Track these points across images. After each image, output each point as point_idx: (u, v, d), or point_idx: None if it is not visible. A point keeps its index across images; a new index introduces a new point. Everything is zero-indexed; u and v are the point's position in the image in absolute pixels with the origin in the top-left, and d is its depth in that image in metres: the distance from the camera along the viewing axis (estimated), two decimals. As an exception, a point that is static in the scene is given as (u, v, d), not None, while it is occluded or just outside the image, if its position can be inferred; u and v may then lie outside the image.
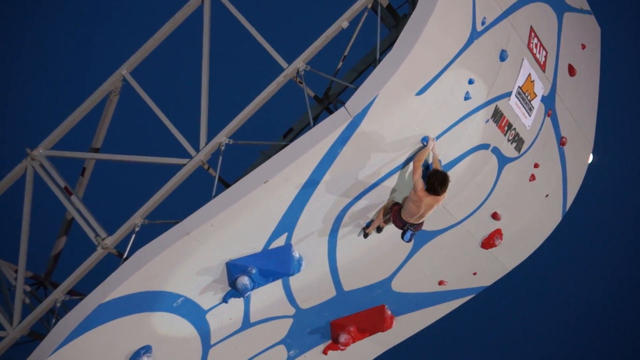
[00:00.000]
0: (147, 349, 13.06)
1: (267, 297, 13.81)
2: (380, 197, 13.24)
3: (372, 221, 13.58)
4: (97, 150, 15.47)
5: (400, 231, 13.15)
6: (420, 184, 12.34)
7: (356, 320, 15.94)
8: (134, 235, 13.39)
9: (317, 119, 16.27)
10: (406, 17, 14.23)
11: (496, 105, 13.56)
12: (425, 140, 12.65)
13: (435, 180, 12.26)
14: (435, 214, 13.27)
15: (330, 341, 16.32)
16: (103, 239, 13.61)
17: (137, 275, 12.09)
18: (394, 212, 13.03)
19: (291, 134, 16.89)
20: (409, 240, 13.24)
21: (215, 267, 12.70)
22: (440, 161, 12.87)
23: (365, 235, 13.75)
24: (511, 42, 13.59)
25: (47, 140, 14.55)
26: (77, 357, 12.35)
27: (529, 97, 14.23)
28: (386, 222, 13.56)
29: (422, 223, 13.06)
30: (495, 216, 15.40)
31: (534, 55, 14.34)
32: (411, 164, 12.74)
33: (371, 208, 13.35)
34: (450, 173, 12.75)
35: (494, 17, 13.21)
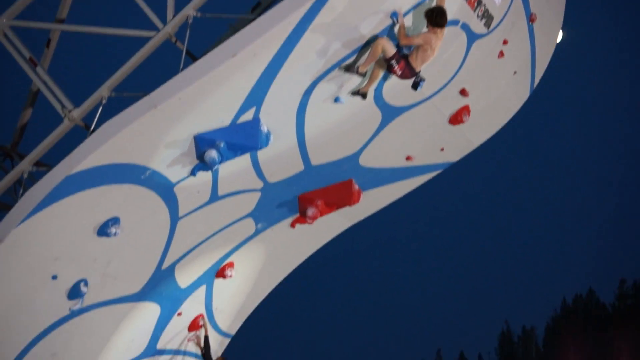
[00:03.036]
0: (115, 221, 13.17)
1: (235, 170, 13.89)
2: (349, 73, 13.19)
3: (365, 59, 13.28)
4: (62, 21, 15.26)
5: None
6: (419, 37, 12.48)
7: (324, 195, 16.10)
8: (101, 108, 13.36)
9: (286, -7, 16.08)
10: None
11: (466, -19, 13.46)
12: (394, 15, 12.57)
13: (436, 15, 12.31)
14: (407, 89, 13.29)
15: (298, 215, 16.52)
16: (70, 111, 13.57)
17: (104, 147, 12.11)
18: (402, 67, 12.89)
19: (259, 8, 16.69)
20: (417, 89, 13.25)
21: (183, 141, 12.72)
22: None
23: (359, 74, 13.39)
24: None
25: (10, 10, 14.34)
26: (45, 228, 12.45)
27: (499, -27, 14.12)
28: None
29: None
30: (463, 92, 15.42)
31: None
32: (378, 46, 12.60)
33: (340, 82, 13.32)
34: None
35: None
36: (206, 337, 16.96)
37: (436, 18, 12.30)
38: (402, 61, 12.70)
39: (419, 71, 12.83)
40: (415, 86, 13.10)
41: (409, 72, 12.83)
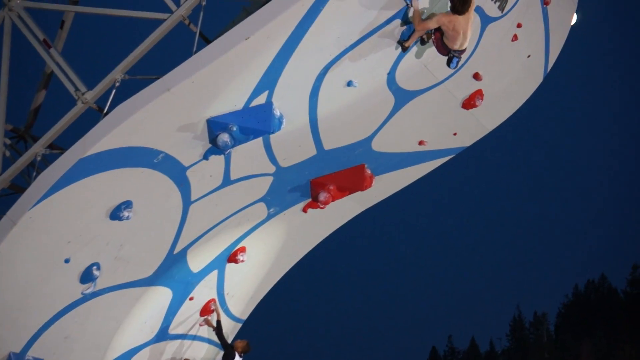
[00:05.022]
0: (127, 204, 13.18)
1: (248, 154, 13.88)
2: (362, 56, 13.16)
3: (410, 34, 13.34)
4: (75, 3, 15.27)
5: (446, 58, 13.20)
6: (436, 20, 12.46)
7: (336, 179, 16.08)
8: (114, 90, 13.35)
9: (299, -24, 16.03)
10: None
11: (481, -37, 13.40)
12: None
13: (457, 1, 12.28)
14: (421, 73, 13.28)
15: (310, 199, 16.52)
16: (83, 94, 13.56)
17: (117, 130, 12.08)
18: (437, 40, 12.95)
19: (273, -10, 16.65)
20: (455, 67, 13.26)
21: (195, 124, 12.70)
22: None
23: (404, 49, 13.55)
24: None
25: (24, -9, 14.33)
26: (58, 211, 12.45)
27: (514, -45, 14.05)
28: (427, 37, 13.41)
29: (465, 48, 13.07)
30: (476, 76, 15.36)
31: None
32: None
33: (353, 66, 13.28)
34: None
35: None
36: (218, 322, 16.95)
37: (457, 4, 12.26)
38: (437, 33, 12.76)
39: (451, 49, 12.83)
40: (448, 62, 13.12)
41: (443, 48, 12.87)
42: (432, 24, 12.48)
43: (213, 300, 17.38)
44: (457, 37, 12.61)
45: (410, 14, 12.63)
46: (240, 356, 16.76)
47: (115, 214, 13.16)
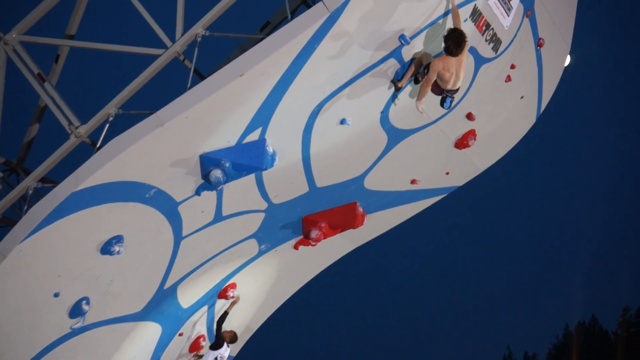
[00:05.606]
0: (118, 239, 13.14)
1: (240, 190, 13.87)
2: (356, 94, 13.21)
3: (403, 74, 13.41)
4: (71, 37, 15.29)
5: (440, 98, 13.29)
6: (431, 70, 12.58)
7: (328, 217, 16.07)
8: (107, 125, 13.35)
9: (294, 13, 16.10)
10: None
11: (475, 5, 13.44)
12: (402, 38, 12.59)
13: (451, 43, 12.36)
14: (414, 112, 13.34)
15: (301, 236, 16.49)
16: (76, 128, 13.57)
17: (110, 164, 12.08)
18: (430, 80, 12.97)
19: (268, 28, 16.73)
20: (449, 107, 13.31)
21: (188, 160, 12.70)
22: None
23: (397, 89, 13.62)
24: (493, -60, 13.44)
25: (20, 25, 14.36)
26: (49, 245, 12.42)
27: (508, -3, 14.12)
28: (420, 76, 13.44)
29: (459, 88, 13.13)
30: (469, 116, 15.41)
31: (515, -46, 14.18)
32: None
33: (346, 103, 13.31)
34: (427, 72, 12.81)
35: None
36: (226, 312, 16.88)
37: (450, 47, 12.34)
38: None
39: (444, 89, 12.89)
40: (442, 102, 13.16)
41: (436, 88, 12.94)
42: (432, 75, 12.58)
43: (203, 336, 17.32)
44: (450, 78, 12.70)
45: (404, 50, 12.70)
46: (227, 345, 16.79)
47: (106, 249, 13.12)
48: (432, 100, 13.44)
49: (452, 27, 12.59)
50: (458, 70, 12.70)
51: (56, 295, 13.10)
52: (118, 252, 13.24)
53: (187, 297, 15.99)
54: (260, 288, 17.94)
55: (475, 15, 13.51)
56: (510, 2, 14.15)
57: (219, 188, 13.20)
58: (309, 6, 16.17)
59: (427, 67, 13.00)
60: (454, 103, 13.59)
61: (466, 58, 12.83)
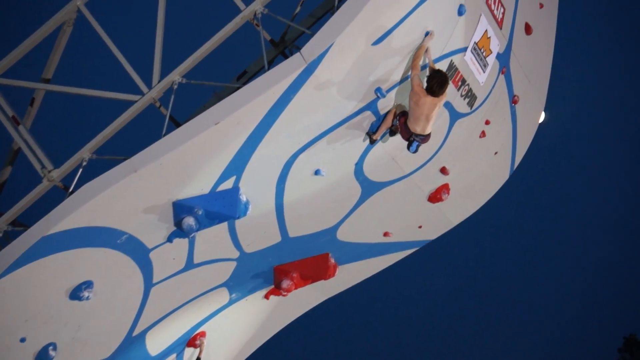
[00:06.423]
0: (88, 284, 13.02)
1: (212, 239, 13.81)
2: (331, 145, 13.25)
3: (378, 126, 13.44)
4: (47, 81, 15.26)
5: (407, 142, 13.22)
6: (417, 80, 12.46)
7: (300, 267, 16.02)
8: (81, 169, 13.29)
9: (272, 63, 16.19)
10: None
11: (451, 60, 13.56)
12: (379, 91, 12.67)
13: (435, 82, 12.35)
14: (388, 165, 13.35)
15: (272, 286, 16.41)
16: (49, 171, 13.50)
17: (82, 209, 12.00)
18: (401, 123, 13.00)
19: (245, 77, 16.79)
20: (415, 151, 13.24)
21: (161, 206, 12.65)
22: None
23: (371, 142, 13.63)
24: (470, -3, 13.58)
25: (-5, 68, 14.34)
26: (17, 289, 12.28)
27: (484, 54, 14.24)
28: (395, 128, 13.46)
29: (429, 135, 13.07)
30: (443, 171, 15.46)
31: (491, 11, 14.33)
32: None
33: (321, 154, 13.35)
34: (402, 125, 12.87)
35: (455, -28, 13.18)
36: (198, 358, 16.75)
37: (433, 86, 12.36)
38: (403, 118, 12.84)
39: (413, 132, 12.89)
40: (409, 146, 13.15)
41: (405, 131, 12.93)
42: (414, 73, 12.57)
43: (202, 334, 17.13)
44: (420, 116, 12.65)
45: (380, 105, 12.77)
46: None
47: (75, 294, 12.99)
48: (406, 153, 13.46)
49: (434, 69, 12.63)
50: (429, 114, 12.66)
51: (22, 340, 12.92)
52: (87, 298, 13.10)
53: (156, 344, 15.82)
54: (229, 337, 17.80)
55: (452, 70, 13.62)
56: (487, 59, 14.30)
57: (191, 236, 13.14)
58: (286, 56, 16.24)
59: (402, 115, 13.01)
60: (425, 151, 13.64)
61: (441, 106, 12.83)
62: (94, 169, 12.84)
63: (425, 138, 13.02)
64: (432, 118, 12.74)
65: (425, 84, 12.43)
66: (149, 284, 14.01)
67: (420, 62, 12.66)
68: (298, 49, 12.24)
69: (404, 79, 12.96)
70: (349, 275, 17.49)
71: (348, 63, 12.18)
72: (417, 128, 12.80)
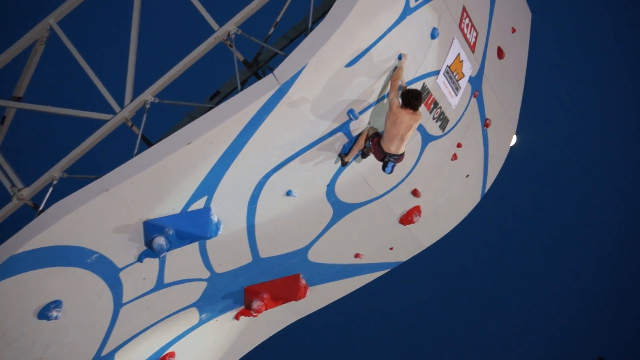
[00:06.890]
0: (57, 304, 12.92)
1: (183, 259, 13.75)
2: (303, 166, 13.26)
3: (350, 148, 13.46)
4: (18, 99, 15.19)
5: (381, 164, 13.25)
6: (396, 101, 12.50)
7: (270, 288, 15.99)
8: (51, 188, 13.22)
9: (245, 84, 16.16)
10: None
11: (424, 83, 13.63)
12: (351, 113, 12.70)
13: (410, 95, 12.44)
14: (360, 187, 13.36)
15: (243, 307, 16.36)
16: (19, 190, 13.43)
17: (51, 228, 11.93)
18: (374, 144, 13.01)
19: (218, 97, 16.75)
20: (390, 172, 13.25)
21: (132, 226, 12.59)
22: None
23: (343, 164, 13.66)
24: (443, 20, 13.64)
25: (-34, 86, 14.28)
26: (-15, 308, 12.20)
27: (456, 77, 14.32)
28: (367, 151, 13.52)
29: (403, 155, 13.09)
30: (415, 193, 15.51)
31: (464, 35, 14.42)
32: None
33: (293, 175, 13.35)
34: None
35: (428, -5, 13.26)
36: None
37: (411, 99, 12.43)
38: (376, 138, 12.87)
39: (387, 153, 12.91)
40: (384, 167, 13.18)
41: (379, 152, 12.96)
42: (392, 94, 12.63)
43: (172, 354, 17.02)
44: (396, 135, 12.69)
45: (353, 126, 12.80)
46: None
47: (44, 313, 12.89)
48: (378, 174, 13.51)
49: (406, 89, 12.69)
50: (405, 134, 12.71)
51: (-11, 360, 12.84)
52: (56, 317, 13.00)
53: (124, 365, 15.75)
54: (199, 358, 17.71)
55: (424, 93, 13.69)
56: (459, 82, 14.38)
57: (161, 255, 13.08)
58: (259, 77, 16.25)
59: (375, 136, 13.05)
60: (397, 173, 13.67)
61: (415, 128, 12.88)
62: (64, 188, 12.77)
63: (399, 158, 13.06)
64: (407, 139, 12.80)
65: (400, 102, 12.49)
66: (118, 303, 13.92)
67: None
68: (271, 70, 12.24)
69: (377, 101, 13.01)
70: (320, 296, 17.48)
71: (321, 84, 12.20)
72: (391, 148, 12.84)
